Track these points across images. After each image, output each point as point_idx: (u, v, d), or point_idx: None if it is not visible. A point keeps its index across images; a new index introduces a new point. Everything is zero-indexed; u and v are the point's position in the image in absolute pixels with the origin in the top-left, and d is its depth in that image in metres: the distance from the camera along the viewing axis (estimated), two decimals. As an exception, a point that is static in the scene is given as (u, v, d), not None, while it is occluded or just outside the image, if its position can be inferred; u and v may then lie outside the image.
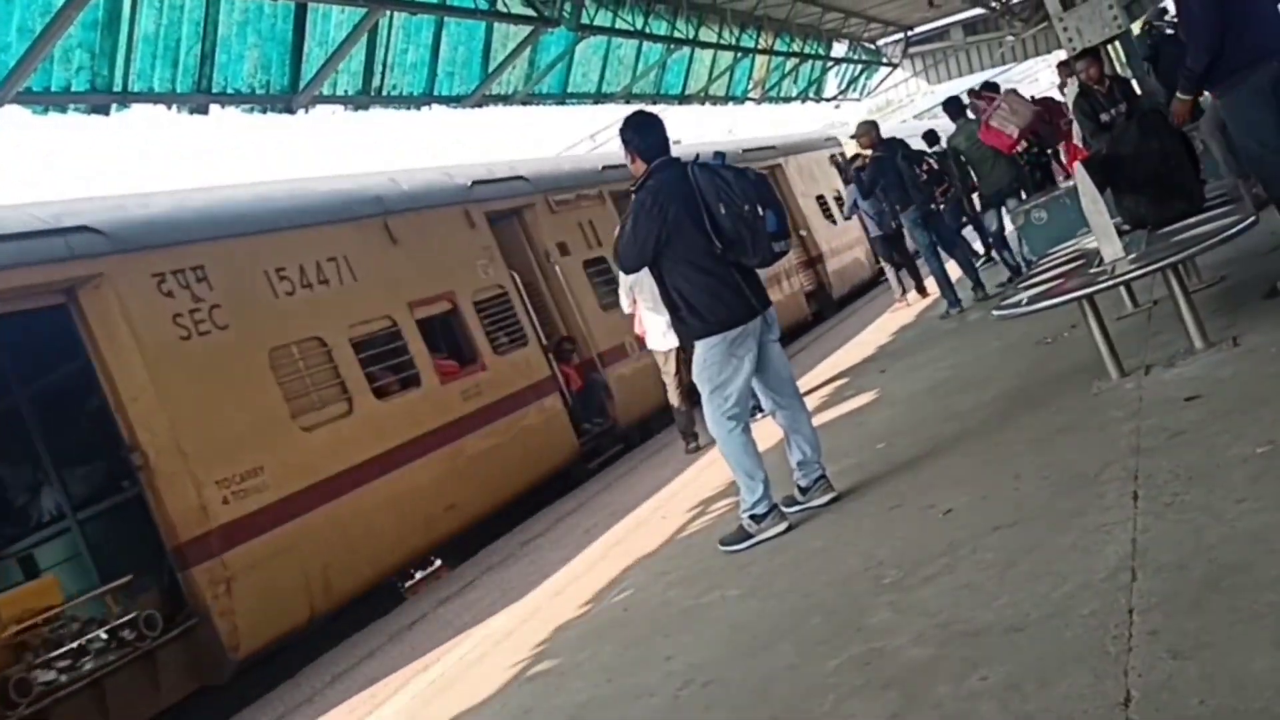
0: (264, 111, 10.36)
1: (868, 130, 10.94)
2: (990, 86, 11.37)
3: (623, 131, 5.06)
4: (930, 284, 12.13)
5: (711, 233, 4.76)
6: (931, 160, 11.13)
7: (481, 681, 4.64)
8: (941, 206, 10.96)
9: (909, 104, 45.22)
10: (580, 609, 5.16)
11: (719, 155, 5.07)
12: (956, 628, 2.98)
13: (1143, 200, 5.64)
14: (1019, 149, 10.09)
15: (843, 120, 34.42)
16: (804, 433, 5.03)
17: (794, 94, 23.30)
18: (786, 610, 3.79)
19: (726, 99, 20.02)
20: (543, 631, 5.02)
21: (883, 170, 10.73)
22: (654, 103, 16.96)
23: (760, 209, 4.76)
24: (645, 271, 5.15)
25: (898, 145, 10.87)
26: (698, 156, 4.98)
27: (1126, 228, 5.63)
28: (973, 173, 10.76)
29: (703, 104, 19.20)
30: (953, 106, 11.19)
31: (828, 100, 25.93)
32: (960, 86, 37.33)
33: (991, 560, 3.36)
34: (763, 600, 4.05)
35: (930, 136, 12.54)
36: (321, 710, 6.09)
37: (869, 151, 11.01)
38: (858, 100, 28.56)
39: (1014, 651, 2.68)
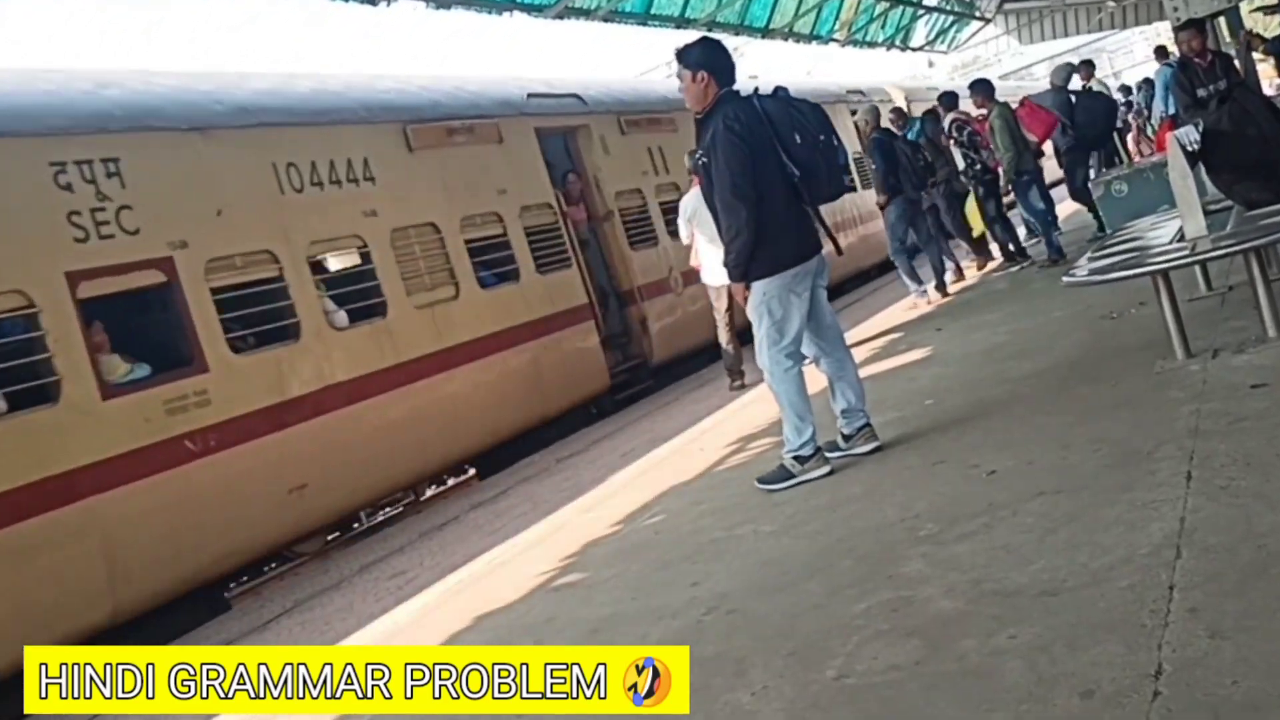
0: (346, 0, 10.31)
1: (870, 114, 11.11)
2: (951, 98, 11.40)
3: (690, 53, 4.71)
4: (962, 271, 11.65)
5: (789, 163, 4.65)
6: (927, 153, 11.01)
7: (506, 585, 4.71)
8: (925, 198, 10.86)
9: (995, 63, 44.00)
10: (610, 528, 5.20)
11: (781, 89, 4.92)
12: (988, 586, 2.96)
13: (1233, 180, 5.45)
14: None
15: (925, 75, 33.57)
16: (849, 380, 4.97)
17: (880, 40, 22.70)
18: (818, 550, 3.79)
19: (811, 38, 19.55)
20: (572, 545, 5.07)
21: (873, 152, 10.80)
22: (736, 34, 16.62)
23: (834, 139, 4.66)
24: (703, 203, 5.06)
25: (894, 134, 11.02)
26: (756, 90, 4.84)
27: (1213, 207, 5.46)
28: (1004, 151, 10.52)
29: (786, 40, 18.77)
30: (985, 89, 11.05)
31: (914, 50, 25.23)
32: (1052, 50, 36.27)
33: (1032, 524, 3.32)
34: (795, 539, 4.05)
35: (949, 98, 11.90)
36: (348, 596, 6.24)
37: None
38: (945, 53, 27.79)
39: (1046, 615, 2.65)
